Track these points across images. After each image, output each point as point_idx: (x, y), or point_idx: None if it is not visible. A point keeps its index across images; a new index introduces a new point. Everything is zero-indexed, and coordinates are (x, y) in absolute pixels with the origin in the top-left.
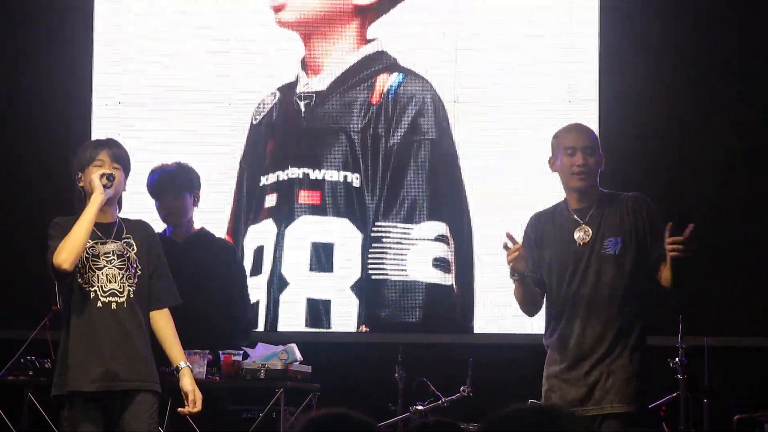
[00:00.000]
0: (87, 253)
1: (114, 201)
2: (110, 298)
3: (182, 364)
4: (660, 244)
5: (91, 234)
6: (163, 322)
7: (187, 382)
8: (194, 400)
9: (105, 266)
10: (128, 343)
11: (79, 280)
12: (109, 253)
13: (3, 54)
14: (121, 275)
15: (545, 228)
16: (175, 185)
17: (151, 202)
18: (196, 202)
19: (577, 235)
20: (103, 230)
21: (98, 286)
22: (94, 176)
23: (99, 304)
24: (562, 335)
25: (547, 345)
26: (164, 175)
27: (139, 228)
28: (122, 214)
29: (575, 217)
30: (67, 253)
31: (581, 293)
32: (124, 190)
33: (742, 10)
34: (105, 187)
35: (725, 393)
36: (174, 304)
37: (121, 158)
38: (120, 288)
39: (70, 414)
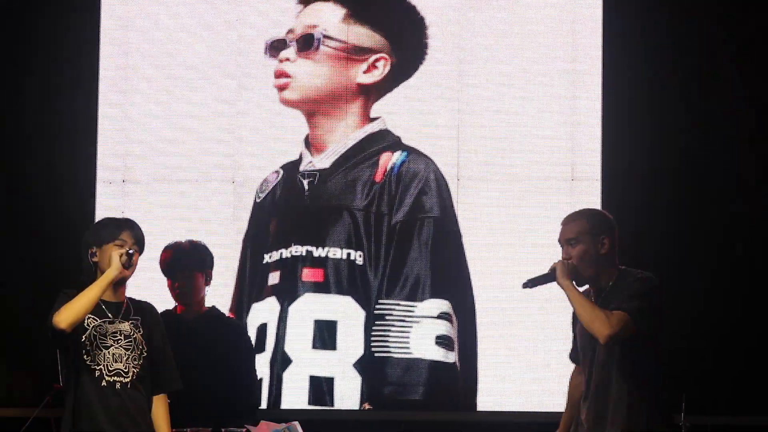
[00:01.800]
0: (95, 331)
1: (125, 282)
2: (115, 378)
3: None
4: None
5: (99, 312)
6: (157, 407)
7: None
8: None
9: (112, 345)
10: (132, 423)
11: (85, 357)
12: (116, 332)
13: (6, 133)
14: (127, 356)
15: None
16: (188, 264)
17: (153, 280)
18: (208, 281)
19: None
20: (112, 309)
21: (104, 365)
22: (114, 253)
23: (103, 383)
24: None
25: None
26: (177, 254)
27: (146, 311)
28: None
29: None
30: (66, 314)
31: (589, 376)
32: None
33: (751, 75)
34: (123, 265)
35: None
36: (175, 389)
37: (140, 241)
38: (125, 368)
39: None
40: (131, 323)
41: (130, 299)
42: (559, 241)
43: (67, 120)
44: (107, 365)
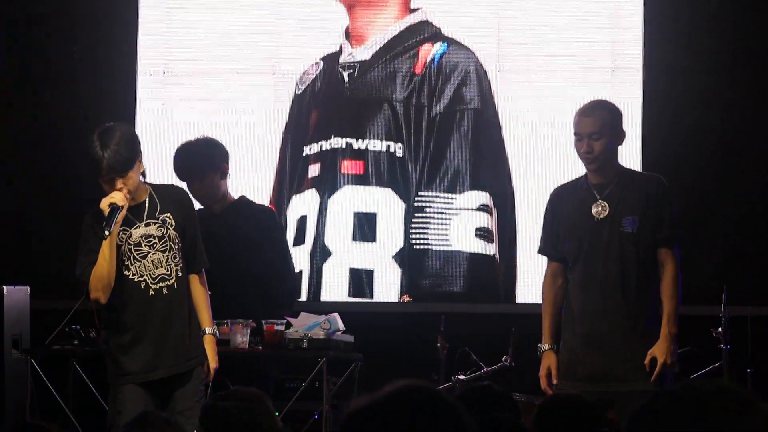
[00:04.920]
0: (128, 243)
1: (136, 182)
2: (160, 284)
3: (207, 330)
4: (666, 227)
5: (125, 221)
6: (195, 287)
7: (206, 350)
8: (207, 370)
9: (149, 252)
10: (181, 323)
11: (126, 272)
12: (150, 236)
13: (47, 26)
14: (166, 258)
15: (565, 202)
16: (198, 169)
17: None
18: (224, 176)
19: (595, 210)
20: (135, 212)
21: (147, 275)
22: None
23: (151, 292)
24: (581, 307)
25: (567, 310)
26: (185, 161)
27: (174, 200)
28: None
29: (594, 192)
30: (98, 288)
31: (599, 268)
32: (143, 168)
33: None
34: (115, 211)
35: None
36: (203, 267)
37: (114, 167)
38: (168, 271)
39: (121, 392)
40: (160, 222)
41: (154, 189)
42: (579, 133)
43: (108, 12)
44: (150, 274)
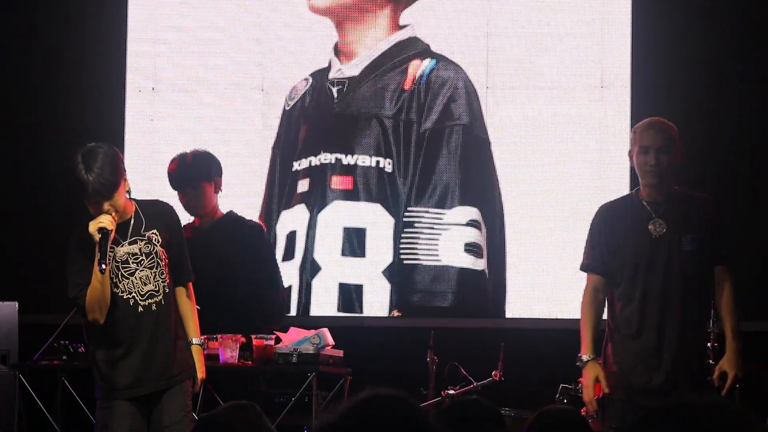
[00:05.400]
0: (116, 260)
1: (123, 204)
2: (149, 300)
3: (195, 340)
4: (724, 245)
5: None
6: (182, 298)
7: (194, 360)
8: (194, 382)
9: (137, 269)
10: (168, 339)
11: (115, 289)
12: (136, 253)
13: (36, 41)
14: (154, 274)
15: (616, 219)
16: (193, 177)
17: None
18: (217, 189)
19: (651, 227)
20: (121, 230)
21: (136, 292)
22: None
23: (140, 308)
24: (639, 323)
25: (616, 327)
26: (182, 167)
27: (160, 216)
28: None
29: (649, 209)
30: (98, 314)
31: (657, 285)
32: (128, 186)
33: None
34: (106, 237)
35: (758, 379)
36: (189, 280)
37: (106, 189)
38: (156, 288)
39: (109, 406)
40: (146, 239)
41: (139, 205)
42: (646, 145)
43: (97, 28)
44: (138, 291)
